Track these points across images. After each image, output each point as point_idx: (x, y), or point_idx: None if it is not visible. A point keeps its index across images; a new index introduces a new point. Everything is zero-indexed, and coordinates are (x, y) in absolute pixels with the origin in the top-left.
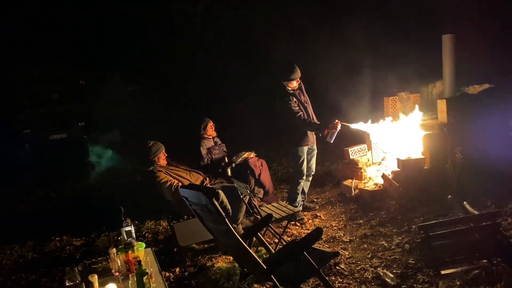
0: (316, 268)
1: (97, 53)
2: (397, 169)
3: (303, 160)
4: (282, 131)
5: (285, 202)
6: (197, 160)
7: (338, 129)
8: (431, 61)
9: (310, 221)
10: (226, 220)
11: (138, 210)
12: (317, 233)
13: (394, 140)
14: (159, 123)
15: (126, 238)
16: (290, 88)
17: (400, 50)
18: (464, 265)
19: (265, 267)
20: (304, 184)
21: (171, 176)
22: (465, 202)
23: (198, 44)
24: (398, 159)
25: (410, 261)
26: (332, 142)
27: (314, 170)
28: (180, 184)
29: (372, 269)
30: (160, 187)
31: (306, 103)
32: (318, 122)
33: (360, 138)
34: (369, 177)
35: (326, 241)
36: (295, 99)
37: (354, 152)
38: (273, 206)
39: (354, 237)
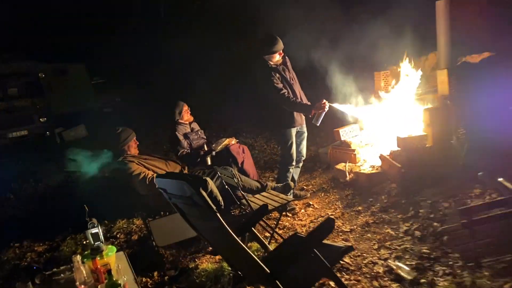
0: (329, 267)
1: (57, 44)
2: (396, 148)
3: (291, 144)
4: (266, 113)
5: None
6: (173, 149)
7: (325, 110)
8: (422, 31)
9: (303, 210)
10: (218, 214)
11: (107, 208)
12: (328, 226)
13: (389, 118)
14: (129, 116)
15: (92, 242)
16: (272, 63)
17: (388, 20)
18: (508, 253)
19: (269, 271)
20: (294, 171)
21: (144, 166)
22: (501, 179)
23: (166, 28)
24: (397, 138)
25: (424, 250)
26: (318, 124)
27: (304, 155)
28: (155, 175)
29: (382, 261)
30: (132, 180)
31: (292, 80)
32: (308, 103)
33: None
34: (364, 159)
35: None
36: (278, 75)
37: (346, 133)
38: (263, 196)
39: (355, 226)
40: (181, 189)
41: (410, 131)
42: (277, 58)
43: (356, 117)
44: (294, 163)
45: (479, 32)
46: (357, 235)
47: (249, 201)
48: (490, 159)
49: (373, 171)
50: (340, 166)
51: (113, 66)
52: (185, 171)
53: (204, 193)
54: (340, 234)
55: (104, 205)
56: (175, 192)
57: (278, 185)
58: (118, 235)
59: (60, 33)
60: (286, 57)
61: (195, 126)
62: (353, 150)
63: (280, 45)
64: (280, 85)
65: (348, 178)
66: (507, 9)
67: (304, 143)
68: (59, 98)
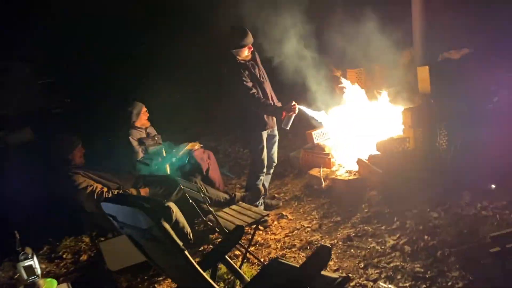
0: None
1: None
2: (375, 152)
3: (262, 148)
4: (233, 114)
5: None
6: (125, 157)
7: (296, 113)
8: (396, 27)
9: (276, 222)
10: (186, 252)
11: (51, 224)
12: (324, 256)
13: (363, 119)
14: (80, 118)
15: (26, 277)
16: (240, 58)
17: (362, 15)
18: None
19: None
20: (265, 178)
21: (91, 179)
22: None
23: (120, 23)
24: (377, 141)
25: (417, 268)
26: (288, 128)
27: (276, 161)
28: (105, 189)
29: (371, 283)
30: (77, 195)
31: (262, 78)
32: (279, 104)
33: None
34: (339, 164)
35: (300, 248)
36: (247, 72)
37: (318, 136)
38: (232, 210)
39: (336, 240)
40: (136, 219)
41: (389, 133)
42: (246, 53)
43: (323, 123)
44: (265, 170)
45: (455, 28)
46: (339, 251)
47: (217, 216)
48: (475, 162)
49: (351, 177)
50: (315, 171)
51: (63, 64)
52: (141, 183)
53: (167, 226)
54: None
55: (48, 221)
56: (128, 222)
57: (247, 193)
58: (64, 255)
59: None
60: (256, 52)
61: (152, 130)
62: (328, 154)
63: (250, 38)
64: (250, 84)
65: (323, 185)
66: (483, 4)
67: (276, 147)
68: (2, 99)
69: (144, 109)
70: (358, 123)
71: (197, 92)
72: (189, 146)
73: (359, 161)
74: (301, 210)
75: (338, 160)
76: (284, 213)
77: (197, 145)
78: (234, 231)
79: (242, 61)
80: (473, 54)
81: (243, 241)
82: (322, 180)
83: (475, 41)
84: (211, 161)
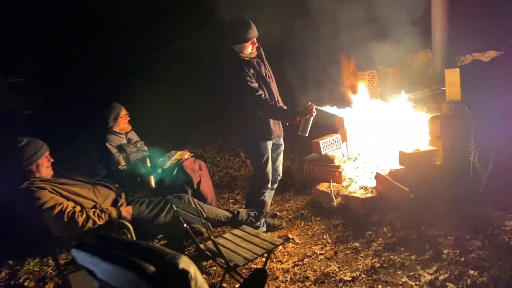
0: None
1: None
2: (397, 166)
3: (267, 160)
4: (234, 119)
5: None
6: (104, 167)
7: (314, 115)
8: (409, 27)
9: (281, 247)
10: None
11: (11, 242)
12: None
13: (379, 126)
14: (53, 120)
15: None
16: (244, 55)
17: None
18: None
19: None
20: (268, 194)
21: (61, 195)
22: None
23: (98, 20)
24: (401, 152)
25: None
26: (307, 134)
27: (281, 174)
28: (77, 208)
29: None
30: (43, 216)
31: (268, 77)
32: (285, 107)
33: (329, 127)
34: (350, 178)
35: (316, 282)
36: (252, 71)
37: (326, 145)
38: (236, 236)
39: (358, 273)
40: (127, 283)
41: (414, 144)
42: (250, 49)
43: (350, 121)
44: (269, 185)
45: (481, 28)
46: (365, 287)
47: (217, 244)
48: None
49: (368, 195)
50: (323, 187)
51: (34, 63)
52: (122, 199)
53: None
54: (340, 284)
55: (8, 240)
56: (114, 283)
57: (252, 209)
58: (26, 283)
59: None
60: (261, 48)
61: (133, 136)
62: (338, 167)
63: (255, 31)
64: (255, 84)
65: (335, 203)
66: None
67: (281, 158)
68: None
69: (124, 111)
70: (372, 130)
71: (179, 93)
72: (177, 155)
73: (378, 176)
74: (309, 232)
75: (348, 173)
76: (290, 236)
77: (186, 154)
78: (254, 276)
79: (247, 58)
80: (504, 57)
81: (244, 271)
82: (333, 197)
83: (502, 43)
84: (202, 173)
